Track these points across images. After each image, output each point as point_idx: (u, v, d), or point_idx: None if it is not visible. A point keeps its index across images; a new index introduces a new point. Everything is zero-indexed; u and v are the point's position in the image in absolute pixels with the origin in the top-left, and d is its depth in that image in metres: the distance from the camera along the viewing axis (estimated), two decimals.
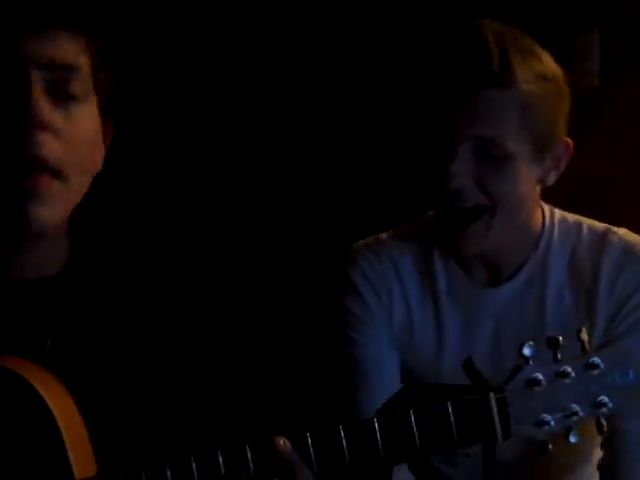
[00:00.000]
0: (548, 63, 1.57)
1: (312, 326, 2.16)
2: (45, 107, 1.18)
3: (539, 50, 1.58)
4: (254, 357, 2.19)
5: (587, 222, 1.69)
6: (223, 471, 1.16)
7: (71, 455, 1.15)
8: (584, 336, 1.19)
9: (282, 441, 1.15)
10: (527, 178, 1.57)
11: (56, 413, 1.16)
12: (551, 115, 1.57)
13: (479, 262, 1.66)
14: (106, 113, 1.28)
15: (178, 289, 1.38)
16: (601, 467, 1.69)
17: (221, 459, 1.17)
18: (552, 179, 1.62)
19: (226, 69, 2.39)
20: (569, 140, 1.61)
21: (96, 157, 1.28)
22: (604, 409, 1.18)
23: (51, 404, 1.16)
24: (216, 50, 2.38)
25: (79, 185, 1.24)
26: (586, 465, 1.74)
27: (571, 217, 1.70)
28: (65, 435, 1.16)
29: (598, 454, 1.75)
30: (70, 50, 1.21)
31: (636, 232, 1.68)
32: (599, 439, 1.69)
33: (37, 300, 1.26)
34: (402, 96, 1.69)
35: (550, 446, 1.18)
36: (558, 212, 1.70)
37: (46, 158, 1.18)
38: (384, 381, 1.61)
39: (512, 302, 1.66)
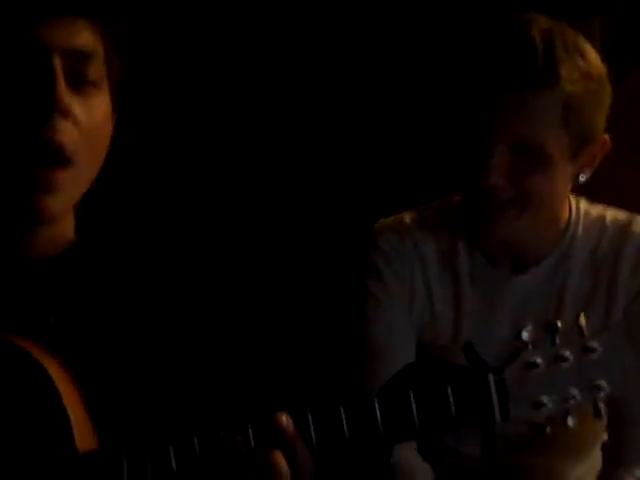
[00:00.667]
0: (593, 61, 1.56)
1: (324, 301, 2.18)
2: (67, 94, 1.18)
3: (586, 47, 1.57)
4: (259, 336, 2.20)
5: (610, 213, 1.71)
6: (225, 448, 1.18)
7: (74, 429, 1.17)
8: (582, 321, 1.21)
9: (284, 417, 1.17)
10: (562, 176, 1.58)
11: (58, 386, 1.17)
12: (592, 114, 1.56)
13: (504, 250, 1.68)
14: (115, 100, 1.28)
15: (182, 269, 1.39)
16: (604, 449, 1.71)
17: (222, 434, 1.18)
18: (586, 176, 1.63)
19: (227, 68, 2.39)
20: (607, 137, 1.61)
21: (105, 143, 1.28)
22: (601, 393, 1.20)
23: (56, 381, 1.17)
24: (216, 49, 2.38)
25: (90, 173, 1.25)
26: (590, 448, 1.76)
27: (595, 209, 1.72)
28: (69, 410, 1.17)
29: (603, 437, 1.77)
30: (89, 37, 1.22)
31: None
32: (604, 423, 1.72)
33: (41, 279, 1.27)
34: (441, 87, 1.70)
35: (548, 429, 1.19)
36: (583, 204, 1.71)
37: (64, 145, 1.19)
38: (397, 360, 1.62)
39: (533, 290, 1.68)
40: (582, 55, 1.55)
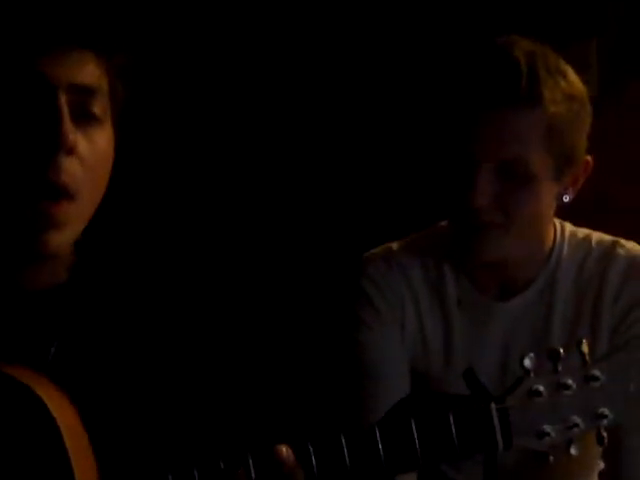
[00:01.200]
0: (575, 82, 1.58)
1: (317, 332, 2.17)
2: (72, 131, 1.17)
3: (568, 69, 1.58)
4: (257, 366, 2.19)
5: (596, 236, 1.71)
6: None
7: (74, 464, 1.15)
8: (585, 348, 1.20)
9: (284, 449, 1.16)
10: (546, 196, 1.59)
11: (59, 422, 1.16)
12: (575, 135, 1.57)
13: (490, 275, 1.67)
14: (116, 131, 1.28)
15: (182, 300, 1.38)
16: (602, 477, 1.71)
17: (222, 465, 1.17)
18: (570, 196, 1.63)
19: (227, 71, 2.39)
20: (589, 158, 1.62)
21: (107, 175, 1.27)
22: (604, 421, 1.19)
23: (55, 413, 1.16)
24: (217, 51, 2.37)
25: (92, 206, 1.25)
26: (588, 475, 1.75)
27: (581, 232, 1.72)
28: (68, 444, 1.15)
29: (600, 465, 1.77)
30: (94, 71, 1.21)
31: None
32: (601, 450, 1.71)
33: (41, 309, 1.26)
34: (425, 108, 1.71)
35: (551, 458, 1.18)
36: (569, 227, 1.71)
37: (68, 184, 1.18)
38: (393, 387, 1.63)
39: (521, 315, 1.67)
40: (564, 76, 1.56)
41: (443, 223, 1.74)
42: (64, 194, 1.18)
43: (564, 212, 1.70)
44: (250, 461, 1.16)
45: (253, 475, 1.16)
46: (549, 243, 1.68)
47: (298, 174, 2.42)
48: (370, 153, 2.44)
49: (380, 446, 1.18)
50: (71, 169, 1.18)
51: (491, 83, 1.52)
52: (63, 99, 1.17)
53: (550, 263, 1.68)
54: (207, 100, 2.38)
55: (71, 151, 1.17)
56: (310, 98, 2.40)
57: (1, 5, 1.19)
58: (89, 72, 1.20)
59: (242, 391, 1.41)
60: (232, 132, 2.40)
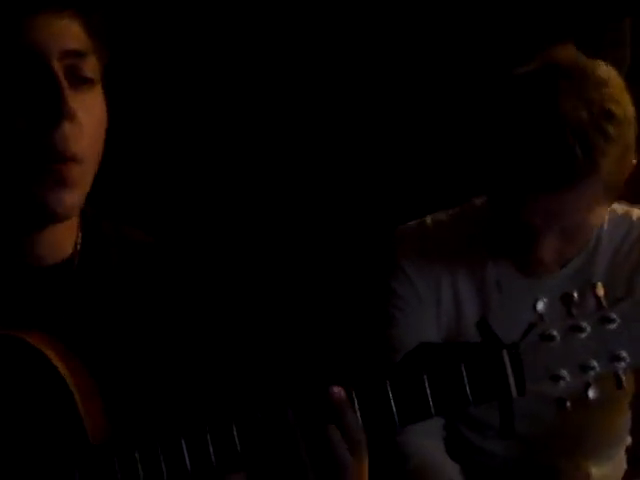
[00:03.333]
0: (621, 114, 1.50)
1: (345, 310, 2.15)
2: (71, 97, 1.17)
3: (616, 100, 1.51)
4: (272, 329, 2.18)
5: (637, 211, 1.70)
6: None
7: (85, 422, 1.16)
8: (600, 292, 1.17)
9: (338, 389, 1.14)
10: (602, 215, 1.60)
11: (69, 382, 1.17)
12: (628, 164, 1.55)
13: (530, 257, 1.64)
14: (106, 89, 1.27)
15: (190, 269, 1.38)
16: (629, 451, 1.68)
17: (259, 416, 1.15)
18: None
19: (230, 70, 2.39)
20: (634, 161, 1.57)
21: (103, 137, 1.27)
22: (622, 363, 1.15)
23: (65, 374, 1.17)
24: (218, 49, 2.38)
25: (94, 169, 1.25)
26: (616, 447, 1.72)
27: (620, 208, 1.70)
28: (79, 403, 1.16)
29: (628, 440, 1.73)
30: (80, 34, 1.21)
31: None
32: (629, 423, 1.68)
33: (49, 284, 1.26)
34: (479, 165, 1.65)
35: (568, 403, 1.15)
36: None
37: (74, 150, 1.18)
38: None
39: (558, 291, 1.63)
40: (612, 117, 1.49)
41: (477, 200, 1.73)
42: (71, 159, 1.19)
43: None
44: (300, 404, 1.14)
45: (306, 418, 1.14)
46: None
47: (315, 153, 2.41)
48: (404, 132, 2.42)
49: (392, 400, 1.15)
50: (75, 136, 1.18)
51: (547, 168, 1.48)
52: (57, 66, 1.17)
53: (591, 241, 1.66)
54: (210, 100, 2.39)
55: (73, 117, 1.17)
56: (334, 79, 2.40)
57: None
58: (76, 35, 1.20)
59: (246, 362, 1.40)
60: (245, 122, 2.40)
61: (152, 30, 2.23)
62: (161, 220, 2.16)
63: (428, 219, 1.73)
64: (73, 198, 1.20)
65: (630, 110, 1.53)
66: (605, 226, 1.67)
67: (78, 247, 1.30)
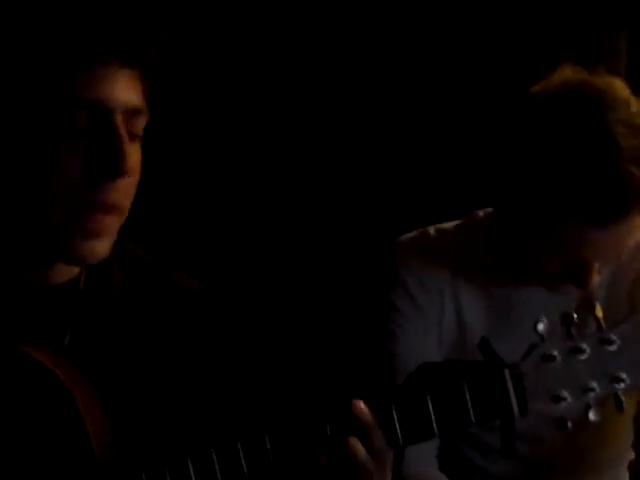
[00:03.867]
0: None
1: (340, 320, 2.15)
2: (130, 155, 1.19)
3: None
4: (276, 347, 2.19)
5: None
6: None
7: (92, 438, 1.17)
8: (599, 313, 1.19)
9: (362, 403, 1.16)
10: None
11: (78, 400, 1.18)
12: None
13: (537, 270, 1.62)
14: None
15: (192, 287, 1.39)
16: (632, 468, 1.68)
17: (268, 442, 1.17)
18: None
19: (238, 70, 2.39)
20: None
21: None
22: (622, 385, 1.17)
23: (73, 391, 1.18)
24: (220, 52, 2.38)
25: (126, 215, 1.26)
26: (618, 463, 1.72)
27: None
28: (86, 420, 1.18)
29: (631, 454, 1.74)
30: (140, 92, 1.23)
31: None
32: (632, 438, 1.69)
33: (56, 299, 1.28)
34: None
35: (569, 424, 1.17)
36: None
37: (122, 202, 1.21)
38: None
39: (562, 302, 1.62)
40: None
41: (481, 213, 1.71)
42: (117, 209, 1.21)
43: None
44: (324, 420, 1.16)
45: (328, 432, 1.16)
46: None
47: (319, 157, 2.41)
48: (406, 140, 2.41)
49: (395, 419, 1.17)
50: (126, 190, 1.21)
51: (606, 202, 1.44)
52: (119, 121, 1.19)
53: None
54: (212, 104, 2.39)
55: (128, 173, 1.19)
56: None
57: (53, 26, 1.18)
58: (138, 93, 1.22)
59: (258, 373, 1.41)
60: (251, 123, 2.40)
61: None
62: (160, 223, 2.18)
63: (431, 229, 1.69)
64: (104, 247, 1.22)
65: None
66: None
67: (84, 268, 1.31)
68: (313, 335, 2.33)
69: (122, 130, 1.18)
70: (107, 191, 1.18)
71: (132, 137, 1.21)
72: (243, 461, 1.17)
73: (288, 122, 2.40)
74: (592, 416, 1.17)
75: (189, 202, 2.38)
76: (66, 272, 1.29)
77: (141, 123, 1.23)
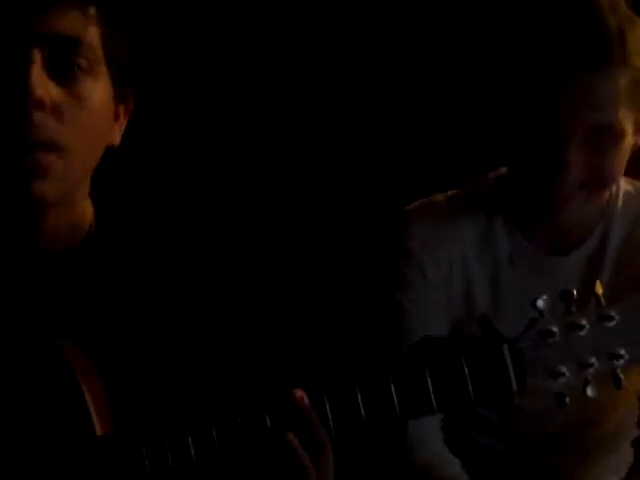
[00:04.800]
0: None
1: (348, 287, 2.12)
2: (42, 84, 1.16)
3: (633, 15, 1.51)
4: (274, 324, 2.17)
5: None
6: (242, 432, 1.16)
7: (93, 414, 1.17)
8: (599, 290, 1.19)
9: (300, 393, 1.15)
10: (628, 151, 1.55)
11: (78, 374, 1.18)
12: None
13: (546, 231, 1.63)
14: (120, 83, 1.26)
15: (198, 262, 1.39)
16: (636, 444, 1.67)
17: (239, 421, 1.17)
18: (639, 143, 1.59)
19: (237, 69, 2.39)
20: None
21: (107, 129, 1.27)
22: (621, 361, 1.17)
23: (73, 364, 1.18)
24: (219, 48, 2.37)
25: (84, 158, 1.23)
26: (622, 441, 1.72)
27: (634, 186, 1.68)
28: (87, 395, 1.17)
29: (635, 432, 1.73)
30: (76, 22, 1.19)
31: None
32: (636, 415, 1.68)
33: (57, 271, 1.27)
34: (494, 79, 1.60)
35: (567, 399, 1.17)
36: (623, 180, 1.67)
37: (44, 137, 1.17)
38: None
39: (573, 270, 1.64)
40: (638, 25, 1.51)
41: (491, 175, 1.70)
42: (41, 146, 1.18)
43: None
44: (265, 405, 1.16)
45: (268, 420, 1.16)
46: (606, 196, 1.64)
47: (320, 137, 2.40)
48: (407, 112, 2.39)
49: (394, 394, 1.17)
50: (45, 123, 1.17)
51: (586, 46, 1.45)
52: (35, 52, 1.16)
53: (605, 216, 1.65)
54: (210, 101, 2.39)
55: (40, 104, 1.16)
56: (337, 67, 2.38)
57: None
58: (69, 22, 1.18)
59: (256, 346, 1.40)
60: (243, 117, 2.39)
61: (152, 29, 2.23)
62: (162, 219, 2.17)
63: (439, 197, 1.67)
64: (50, 189, 1.19)
65: None
66: (619, 201, 1.65)
67: (89, 236, 1.30)
68: (318, 314, 2.31)
69: (34, 60, 1.15)
70: (24, 126, 1.15)
71: (67, 68, 1.18)
72: (192, 451, 1.17)
73: (285, 113, 2.40)
74: (590, 392, 1.17)
75: (191, 198, 2.38)
76: (65, 240, 1.27)
77: (83, 54, 1.19)
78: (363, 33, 2.35)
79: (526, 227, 1.64)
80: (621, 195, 1.66)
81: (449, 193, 1.69)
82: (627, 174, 1.63)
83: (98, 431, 1.17)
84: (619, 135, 1.50)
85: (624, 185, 1.68)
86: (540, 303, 1.17)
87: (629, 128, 1.51)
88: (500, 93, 1.57)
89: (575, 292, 1.18)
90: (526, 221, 1.64)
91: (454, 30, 2.30)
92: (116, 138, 1.30)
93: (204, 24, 2.35)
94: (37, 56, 1.16)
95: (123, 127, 1.31)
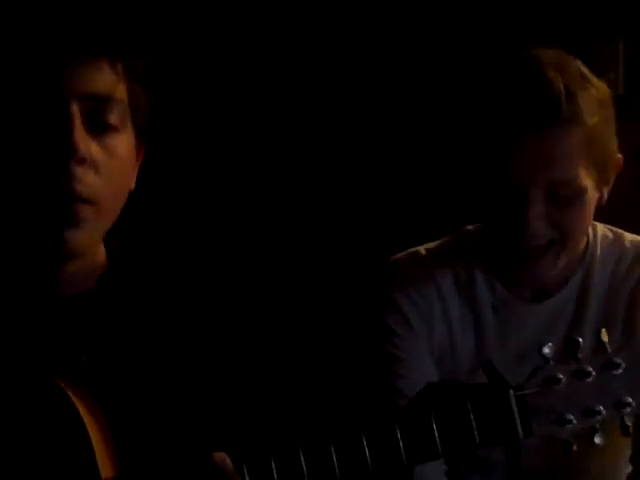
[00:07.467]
0: (599, 85, 1.56)
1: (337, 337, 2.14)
2: (84, 141, 1.19)
3: (588, 73, 1.56)
4: (280, 373, 2.18)
5: (628, 236, 1.70)
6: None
7: (98, 457, 1.17)
8: (604, 337, 1.19)
9: (219, 456, 1.14)
10: (592, 206, 1.57)
11: (86, 420, 1.18)
12: (610, 139, 1.57)
13: (524, 281, 1.65)
14: (141, 132, 1.30)
15: (208, 308, 1.39)
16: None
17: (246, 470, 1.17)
18: (605, 197, 1.61)
19: (238, 70, 2.39)
20: (620, 156, 1.61)
21: (131, 178, 1.30)
22: (627, 409, 1.17)
23: (81, 411, 1.18)
24: (221, 52, 2.37)
25: (112, 208, 1.27)
26: (617, 478, 1.73)
27: (612, 232, 1.70)
28: (93, 438, 1.17)
29: (628, 468, 1.74)
30: (109, 80, 1.23)
31: None
32: (629, 453, 1.69)
33: (73, 315, 1.28)
34: (460, 135, 1.65)
35: (574, 447, 1.17)
36: (600, 227, 1.70)
37: (82, 191, 1.21)
38: None
39: (555, 317, 1.66)
40: (591, 83, 1.55)
41: (470, 227, 1.73)
42: (79, 200, 1.21)
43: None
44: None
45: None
46: (583, 245, 1.66)
47: (317, 175, 2.41)
48: (392, 155, 2.42)
49: (400, 439, 1.17)
50: (84, 178, 1.20)
51: (532, 106, 1.49)
52: (75, 109, 1.19)
53: (584, 264, 1.66)
54: (211, 106, 2.38)
55: (83, 160, 1.19)
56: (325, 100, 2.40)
57: (13, 16, 1.21)
58: (102, 80, 1.22)
59: (265, 397, 1.41)
60: (252, 133, 2.39)
61: (153, 29, 2.22)
62: (162, 225, 2.17)
63: (421, 248, 1.72)
64: (82, 238, 1.23)
65: (607, 92, 1.57)
66: (598, 249, 1.67)
67: (103, 279, 1.31)
68: (312, 354, 2.33)
69: (74, 116, 1.19)
70: (63, 179, 1.18)
71: (100, 125, 1.22)
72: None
73: (286, 131, 2.41)
74: (598, 440, 1.17)
75: (193, 201, 2.38)
76: (81, 282, 1.29)
77: (114, 111, 1.23)
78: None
79: (505, 277, 1.66)
80: (599, 241, 1.68)
81: (430, 245, 1.73)
82: (627, 174, 1.65)
83: (103, 475, 1.17)
84: (579, 190, 1.53)
85: (602, 231, 1.69)
86: (546, 350, 1.17)
87: (589, 183, 1.54)
88: (465, 150, 1.63)
89: (581, 340, 1.18)
90: (505, 271, 1.66)
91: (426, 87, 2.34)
92: (134, 183, 1.33)
93: (204, 24, 2.34)
94: (77, 112, 1.20)
95: (137, 171, 1.34)
